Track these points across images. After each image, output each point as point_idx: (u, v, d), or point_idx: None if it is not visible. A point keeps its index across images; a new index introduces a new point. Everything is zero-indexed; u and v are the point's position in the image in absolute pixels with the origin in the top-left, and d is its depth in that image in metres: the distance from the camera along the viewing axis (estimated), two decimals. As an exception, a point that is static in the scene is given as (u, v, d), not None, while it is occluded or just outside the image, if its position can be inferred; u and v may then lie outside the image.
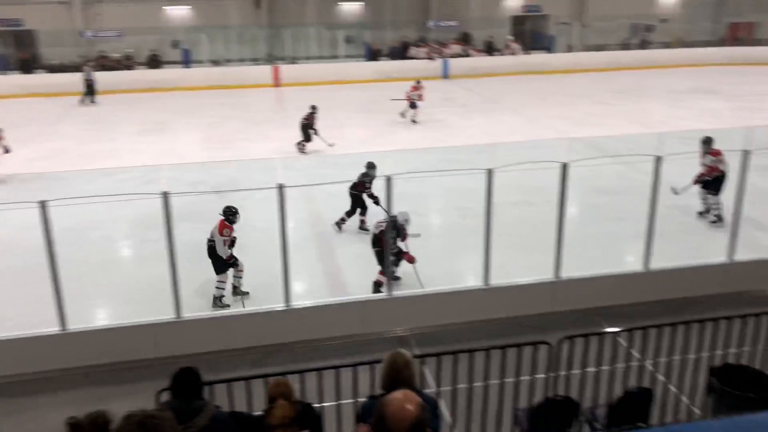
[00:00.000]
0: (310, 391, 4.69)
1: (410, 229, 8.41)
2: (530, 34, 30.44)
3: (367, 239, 8.70)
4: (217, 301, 8.03)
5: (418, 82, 18.99)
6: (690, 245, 9.58)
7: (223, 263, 8.00)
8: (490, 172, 7.29)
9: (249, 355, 6.88)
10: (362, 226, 10.42)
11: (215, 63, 26.36)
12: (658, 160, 7.65)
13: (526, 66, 27.50)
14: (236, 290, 8.26)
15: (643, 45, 30.38)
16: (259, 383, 4.55)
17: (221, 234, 7.90)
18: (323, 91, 24.58)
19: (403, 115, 18.79)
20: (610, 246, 9.85)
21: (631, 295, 7.83)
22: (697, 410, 5.23)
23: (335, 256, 9.73)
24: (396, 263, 8.09)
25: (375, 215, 9.56)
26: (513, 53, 28.27)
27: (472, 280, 8.07)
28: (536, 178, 11.47)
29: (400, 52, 27.62)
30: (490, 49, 28.55)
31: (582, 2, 29.97)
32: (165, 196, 6.54)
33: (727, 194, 9.57)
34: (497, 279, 7.60)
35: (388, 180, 6.98)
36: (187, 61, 26.72)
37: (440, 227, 11.38)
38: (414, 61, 27.16)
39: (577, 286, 7.66)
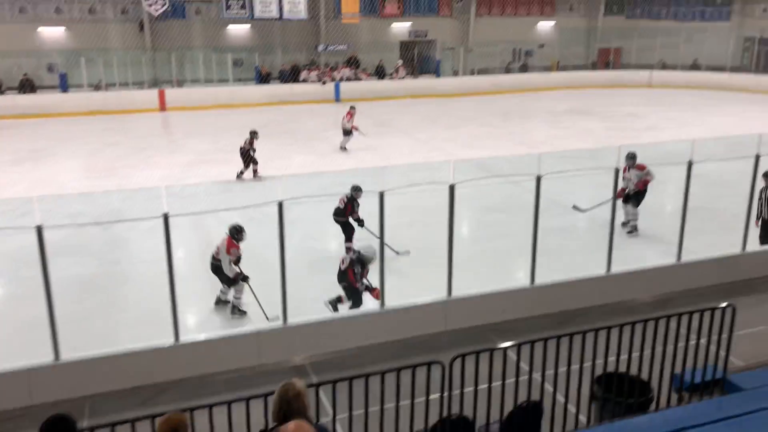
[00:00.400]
0: (202, 429, 4.49)
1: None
2: (418, 58, 31.35)
3: (263, 266, 8.55)
4: (236, 310, 8.46)
5: (353, 108, 18.53)
6: (576, 260, 10.05)
7: (227, 277, 8.35)
8: (381, 195, 7.36)
9: (136, 396, 6.51)
10: (348, 251, 10.02)
11: (96, 87, 25.16)
12: (538, 179, 8.03)
13: (415, 90, 28.24)
14: (234, 309, 8.50)
15: (524, 69, 32.04)
16: (147, 425, 4.32)
17: (228, 253, 8.23)
18: (213, 116, 24.09)
19: (343, 148, 18.42)
20: (500, 263, 10.21)
21: (520, 310, 8.13)
22: (583, 418, 5.48)
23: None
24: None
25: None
26: (402, 77, 28.95)
27: (369, 304, 8.08)
28: (428, 199, 11.73)
29: (290, 76, 27.57)
30: (381, 74, 29.09)
31: (466, 28, 31.24)
32: (39, 229, 6.12)
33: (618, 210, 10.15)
34: (393, 301, 7.66)
35: (280, 206, 6.89)
36: (64, 86, 25.32)
37: (336, 252, 11.36)
38: (305, 84, 27.20)
39: (468, 304, 7.86)
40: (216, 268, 8.46)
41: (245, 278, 8.37)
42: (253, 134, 15.26)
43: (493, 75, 30.75)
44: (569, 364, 5.18)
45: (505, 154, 17.45)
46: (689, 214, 9.04)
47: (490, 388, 4.94)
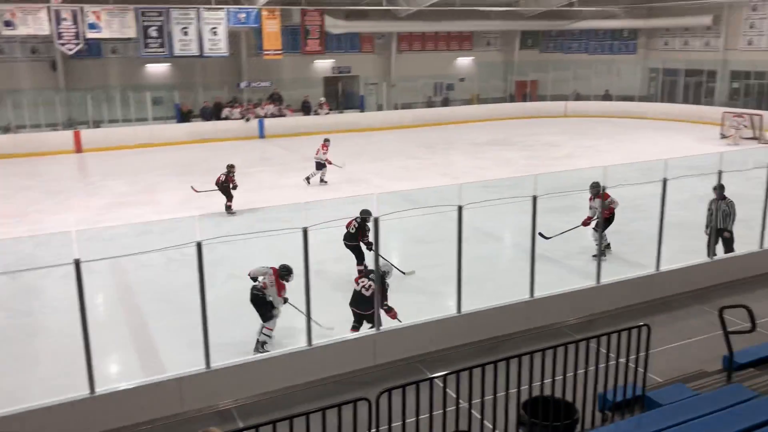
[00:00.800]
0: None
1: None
2: (342, 94, 31.63)
3: (183, 309, 8.26)
4: (260, 347, 8.35)
5: (327, 140, 18.62)
6: (501, 286, 10.21)
7: (270, 313, 8.43)
8: (305, 231, 7.29)
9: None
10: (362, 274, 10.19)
11: (5, 130, 24.07)
12: (460, 209, 8.17)
13: (341, 125, 28.42)
14: (259, 345, 8.41)
15: (446, 102, 32.85)
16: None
17: (279, 295, 8.44)
18: (132, 155, 23.47)
19: (308, 180, 18.38)
20: (428, 293, 10.27)
21: (448, 340, 8.16)
22: (512, 444, 5.50)
23: (148, 330, 9.10)
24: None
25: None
26: (327, 113, 29.11)
27: (300, 341, 7.92)
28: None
29: (212, 113, 27.24)
30: (306, 109, 29.15)
31: (388, 64, 31.83)
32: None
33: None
34: (321, 338, 7.55)
35: (198, 246, 6.70)
36: (-30, 128, 24.11)
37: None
38: (228, 121, 26.90)
39: (397, 336, 7.83)
40: (258, 299, 8.51)
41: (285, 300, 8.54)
42: (230, 168, 15.68)
43: (416, 109, 31.35)
44: (495, 392, 5.21)
45: (430, 185, 17.72)
46: (610, 237, 9.40)
47: (417, 422, 4.89)
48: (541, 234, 11.25)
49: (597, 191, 11.52)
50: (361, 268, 10.60)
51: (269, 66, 28.18)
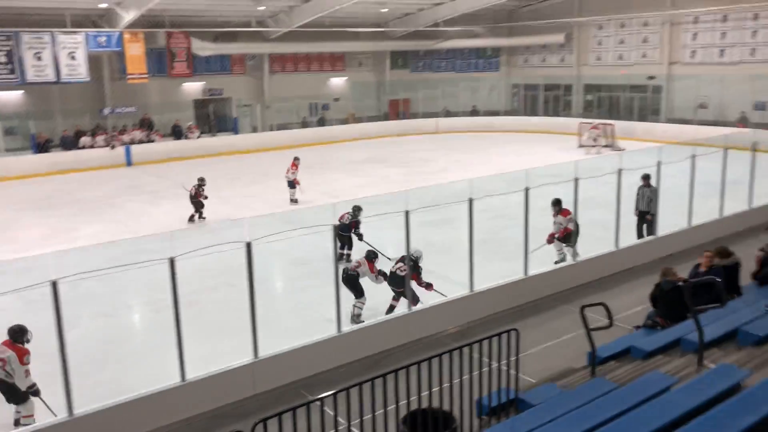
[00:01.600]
0: None
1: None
2: (215, 116, 30.88)
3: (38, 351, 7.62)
4: (356, 318, 9.45)
5: (297, 159, 18.65)
6: (380, 301, 10.27)
7: (361, 289, 9.64)
8: (172, 261, 6.98)
9: None
10: (348, 259, 12.18)
11: None
12: (335, 228, 8.17)
13: (214, 148, 27.72)
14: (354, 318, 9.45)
15: (322, 122, 32.96)
16: None
17: (372, 271, 9.68)
18: (-17, 190, 21.56)
19: (293, 200, 18.43)
20: (308, 315, 10.14)
21: (329, 361, 8.09)
22: (395, 460, 5.50)
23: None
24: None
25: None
26: (198, 137, 28.31)
27: (175, 377, 7.53)
28: (234, 258, 11.40)
29: (73, 142, 25.66)
30: (177, 134, 28.16)
31: (260, 85, 31.49)
32: None
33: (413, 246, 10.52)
34: (196, 372, 7.22)
35: (53, 285, 6.22)
36: None
37: (136, 326, 10.59)
38: (92, 150, 25.44)
39: (276, 362, 7.65)
40: (351, 278, 9.62)
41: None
42: (201, 180, 16.62)
43: (292, 129, 31.20)
44: (373, 410, 5.19)
45: (309, 205, 17.62)
46: (480, 246, 9.72)
47: (297, 448, 4.78)
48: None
49: (558, 209, 11.95)
50: (350, 252, 12.61)
51: (135, 90, 27.04)
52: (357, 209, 12.68)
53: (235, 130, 30.35)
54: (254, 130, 30.66)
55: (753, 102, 26.34)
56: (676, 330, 7.24)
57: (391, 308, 9.67)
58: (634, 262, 11.65)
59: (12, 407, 6.93)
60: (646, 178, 12.73)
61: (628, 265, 11.55)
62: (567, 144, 27.51)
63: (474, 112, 35.03)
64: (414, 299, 9.38)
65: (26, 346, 6.90)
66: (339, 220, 12.16)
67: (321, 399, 4.97)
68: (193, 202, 16.55)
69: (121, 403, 6.78)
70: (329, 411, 5.13)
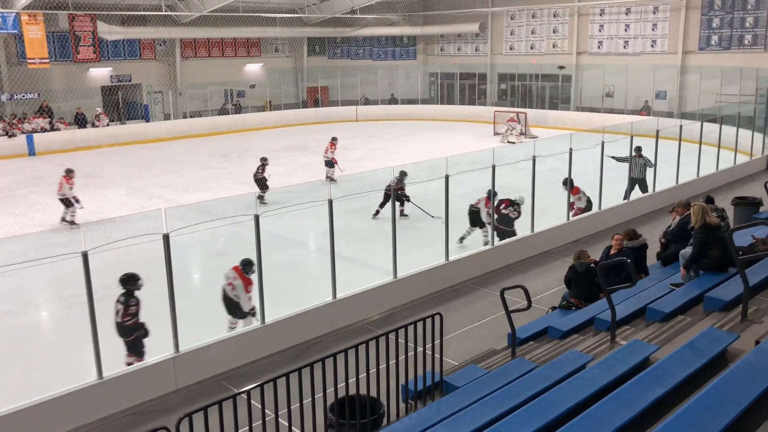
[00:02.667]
0: None
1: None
2: (124, 104, 29.59)
3: None
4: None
5: (335, 139, 19.25)
6: (305, 290, 10.20)
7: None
8: (85, 255, 6.66)
9: None
10: (402, 214, 14.44)
11: None
12: (257, 218, 8.03)
13: (124, 137, 26.61)
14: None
15: (238, 110, 32.22)
16: None
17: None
18: None
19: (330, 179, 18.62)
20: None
21: (254, 352, 7.97)
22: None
23: None
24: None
25: None
26: (107, 125, 27.07)
27: (91, 375, 7.20)
28: (150, 251, 11.01)
29: (-31, 131, 24.01)
30: (81, 122, 26.80)
31: (173, 71, 30.40)
32: None
33: (345, 239, 10.49)
34: (114, 368, 6.95)
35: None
36: None
37: (45, 323, 10.06)
38: (-12, 139, 23.86)
39: (198, 356, 7.47)
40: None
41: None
42: (263, 160, 17.50)
43: (207, 117, 30.35)
44: (301, 399, 5.16)
45: (227, 194, 17.22)
46: (402, 233, 9.82)
47: (223, 442, 4.69)
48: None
49: (570, 187, 12.78)
50: (402, 209, 14.58)
51: (36, 76, 25.49)
52: (403, 174, 14.07)
53: (146, 117, 29.21)
54: (167, 117, 29.58)
55: (654, 91, 27.82)
56: (589, 310, 7.58)
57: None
58: (549, 246, 12.09)
59: None
60: (638, 149, 14.55)
61: (543, 248, 11.98)
62: (483, 132, 28.15)
63: (393, 101, 35.23)
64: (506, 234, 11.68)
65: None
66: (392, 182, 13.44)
67: (247, 391, 4.89)
68: (257, 182, 17.17)
69: (32, 405, 6.43)
70: (256, 403, 5.06)
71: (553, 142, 15.06)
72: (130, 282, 7.85)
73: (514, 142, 26.22)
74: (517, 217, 12.13)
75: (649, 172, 14.80)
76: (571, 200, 12.96)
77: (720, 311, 6.26)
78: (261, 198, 15.99)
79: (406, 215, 14.61)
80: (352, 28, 34.37)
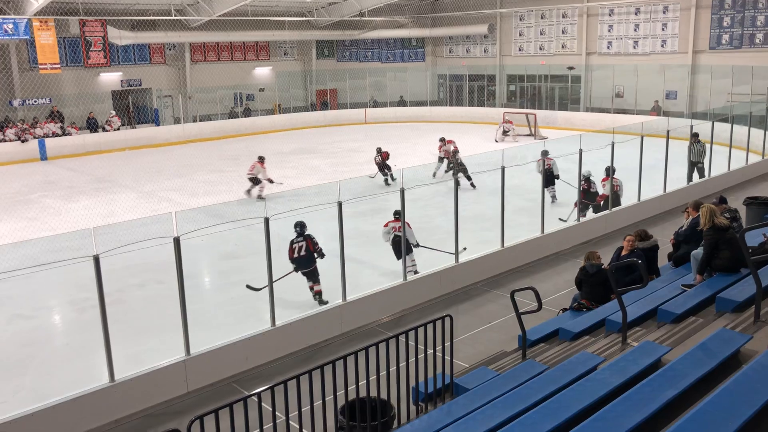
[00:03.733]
0: None
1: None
2: (134, 108, 29.80)
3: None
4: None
5: (262, 158, 18.37)
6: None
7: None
8: (96, 259, 6.71)
9: None
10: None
11: None
12: (266, 220, 8.05)
13: (135, 141, 26.78)
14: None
15: (247, 113, 32.34)
16: None
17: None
18: None
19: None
20: (241, 309, 9.98)
21: (264, 355, 7.99)
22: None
23: None
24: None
25: None
26: (117, 129, 27.24)
27: (103, 378, 7.24)
28: (161, 254, 11.07)
29: (-19, 136, 24.22)
30: (93, 126, 26.99)
31: (182, 75, 30.58)
32: None
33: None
34: (126, 371, 6.99)
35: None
36: None
37: (58, 327, 10.13)
38: (2, 144, 24.04)
39: (209, 359, 7.50)
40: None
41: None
42: (379, 150, 19.03)
43: (217, 120, 30.48)
44: (311, 401, 5.17)
45: (237, 198, 17.29)
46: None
47: (236, 444, 4.71)
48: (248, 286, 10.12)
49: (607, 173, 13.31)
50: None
51: (47, 81, 25.70)
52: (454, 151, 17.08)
53: (156, 121, 29.39)
54: (177, 121, 29.75)
55: (665, 91, 27.67)
56: (600, 311, 7.54)
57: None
58: (559, 247, 12.05)
59: None
60: (695, 135, 16.04)
61: (553, 250, 11.93)
62: (492, 133, 28.08)
63: (401, 103, 35.24)
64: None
65: None
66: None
67: (258, 394, 4.91)
68: (381, 168, 18.91)
69: (45, 408, 6.48)
70: (267, 406, 5.07)
71: (562, 143, 15.03)
72: (301, 226, 10.20)
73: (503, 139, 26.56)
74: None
75: (706, 158, 15.98)
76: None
77: (732, 312, 6.21)
78: (259, 196, 17.21)
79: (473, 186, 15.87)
80: (361, 30, 34.43)
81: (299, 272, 10.02)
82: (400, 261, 9.94)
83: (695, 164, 16.13)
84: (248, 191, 17.85)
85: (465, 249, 10.54)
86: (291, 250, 10.21)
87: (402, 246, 9.91)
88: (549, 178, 14.74)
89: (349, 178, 18.38)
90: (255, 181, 17.83)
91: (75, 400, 6.61)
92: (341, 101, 35.31)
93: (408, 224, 10.36)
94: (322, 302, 9.71)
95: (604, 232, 12.87)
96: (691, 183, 15.47)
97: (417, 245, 10.69)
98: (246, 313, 9.74)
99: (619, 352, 5.94)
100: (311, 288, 10.13)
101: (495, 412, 4.97)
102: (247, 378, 7.65)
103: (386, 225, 10.82)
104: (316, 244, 10.21)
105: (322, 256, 10.11)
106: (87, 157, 24.73)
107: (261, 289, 9.38)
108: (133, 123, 29.21)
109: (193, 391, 7.29)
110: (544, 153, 14.94)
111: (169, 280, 10.80)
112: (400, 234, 10.16)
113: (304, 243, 10.19)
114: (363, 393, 5.56)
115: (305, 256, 10.08)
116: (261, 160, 18.12)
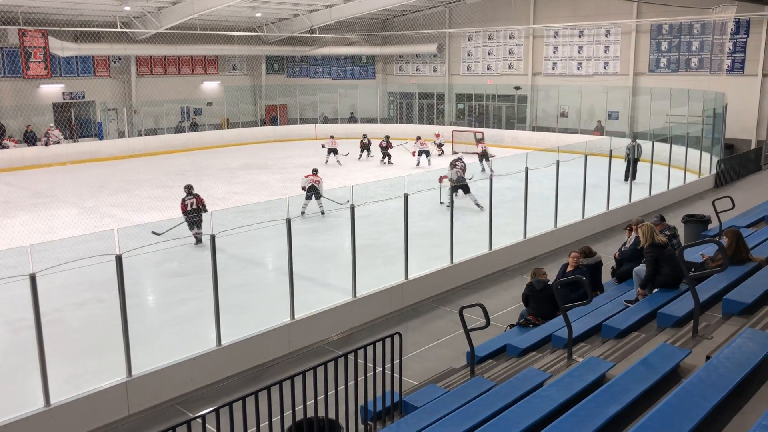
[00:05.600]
0: None
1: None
2: (76, 121, 28.96)
3: None
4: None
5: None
6: (263, 310, 10.04)
7: None
8: (33, 278, 6.44)
9: None
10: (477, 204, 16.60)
11: None
12: (213, 237, 7.90)
13: (77, 155, 25.98)
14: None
15: (194, 127, 31.81)
16: None
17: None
18: None
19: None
20: (186, 328, 9.73)
21: (209, 375, 7.80)
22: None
23: None
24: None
25: None
26: (58, 142, 26.40)
27: (38, 402, 6.90)
28: (102, 272, 10.71)
29: None
30: (31, 140, 26.06)
31: (128, 88, 29.89)
32: None
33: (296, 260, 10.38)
34: (63, 395, 6.70)
35: None
36: None
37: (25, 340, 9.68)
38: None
39: (152, 380, 7.27)
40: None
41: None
42: (387, 137, 24.07)
43: (163, 135, 29.89)
44: (258, 422, 5.06)
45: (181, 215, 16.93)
46: (361, 251, 9.78)
47: (177, 470, 4.55)
48: (154, 232, 12.29)
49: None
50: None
51: (-18, 91, 24.76)
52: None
53: (99, 135, 28.61)
54: (121, 135, 29.05)
55: (607, 111, 28.57)
56: (547, 327, 7.65)
57: None
58: (506, 264, 12.21)
59: None
60: (634, 138, 19.76)
61: (501, 266, 12.09)
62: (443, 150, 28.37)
63: (352, 119, 35.31)
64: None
65: None
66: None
67: (203, 416, 4.77)
68: (383, 152, 24.80)
69: (-26, 436, 6.16)
70: (212, 428, 4.93)
71: (509, 161, 15.30)
72: (189, 188, 14.23)
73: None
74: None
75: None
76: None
77: (672, 327, 6.39)
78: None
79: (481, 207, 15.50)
80: (311, 47, 34.44)
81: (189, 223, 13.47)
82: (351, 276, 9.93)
83: (634, 162, 18.46)
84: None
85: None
86: (183, 206, 14.21)
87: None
88: (465, 187, 15.92)
89: (299, 194, 18.30)
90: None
91: (6, 426, 6.29)
92: (291, 117, 35.15)
93: (320, 180, 16.59)
94: (200, 242, 13.45)
95: (550, 248, 13.13)
96: (631, 201, 15.89)
97: (321, 196, 15.96)
98: (191, 333, 9.50)
99: (565, 368, 6.03)
100: (197, 235, 13.68)
101: (444, 429, 4.96)
102: (192, 399, 7.44)
103: (306, 177, 16.35)
104: (203, 200, 14.29)
105: (206, 210, 13.83)
106: (26, 170, 23.86)
107: (164, 233, 12.20)
108: (76, 137, 28.35)
109: (135, 414, 7.04)
110: (455, 161, 16.24)
111: (111, 299, 10.48)
112: (315, 185, 15.91)
113: (194, 200, 14.17)
114: (311, 413, 5.47)
115: (195, 210, 13.95)
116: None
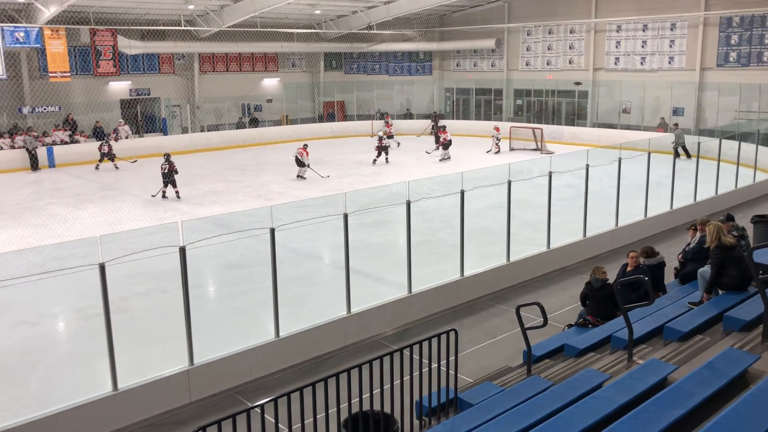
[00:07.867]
0: None
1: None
2: (142, 117, 29.94)
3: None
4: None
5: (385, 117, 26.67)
6: (319, 305, 10.19)
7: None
8: (102, 267, 6.72)
9: None
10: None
11: None
12: (272, 231, 8.05)
13: (142, 149, 26.83)
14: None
15: (255, 123, 32.45)
16: None
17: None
18: None
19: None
20: (246, 320, 9.96)
21: (267, 366, 7.96)
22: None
23: None
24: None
25: None
26: (126, 137, 27.35)
27: (106, 387, 7.22)
28: (165, 263, 11.08)
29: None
30: (99, 135, 27.08)
31: (191, 85, 30.74)
32: None
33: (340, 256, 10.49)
34: (129, 380, 6.97)
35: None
36: None
37: (62, 334, 10.13)
38: (11, 151, 24.14)
39: (212, 369, 7.48)
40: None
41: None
42: (167, 156, 19.45)
43: (224, 131, 30.59)
44: (315, 414, 5.14)
45: (243, 208, 17.30)
46: (416, 248, 9.80)
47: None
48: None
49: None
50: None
51: (57, 89, 25.86)
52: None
53: (164, 131, 29.52)
54: (184, 131, 29.88)
55: (671, 108, 27.66)
56: (606, 327, 7.49)
57: None
58: (565, 262, 12.01)
59: None
60: (675, 125, 22.60)
61: (559, 265, 11.90)
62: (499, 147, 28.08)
63: (408, 115, 35.30)
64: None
65: None
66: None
67: (261, 405, 4.88)
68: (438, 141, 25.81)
69: (47, 416, 6.46)
70: (269, 417, 5.05)
71: (569, 158, 15.01)
72: (167, 155, 18.71)
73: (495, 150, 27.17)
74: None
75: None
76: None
77: (739, 331, 6.16)
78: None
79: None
80: (369, 43, 34.59)
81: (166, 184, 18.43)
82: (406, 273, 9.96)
83: (680, 145, 20.72)
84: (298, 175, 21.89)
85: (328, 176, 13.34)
86: (162, 169, 18.76)
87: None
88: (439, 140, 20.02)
89: (356, 189, 18.42)
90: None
91: (77, 408, 6.59)
92: (348, 113, 35.39)
93: (306, 152, 21.72)
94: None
95: (610, 247, 12.83)
96: (696, 201, 15.36)
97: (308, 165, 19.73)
98: (250, 324, 9.72)
99: (625, 370, 5.89)
100: (177, 192, 18.72)
101: (499, 428, 4.93)
102: (250, 389, 7.62)
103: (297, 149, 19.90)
104: (173, 163, 18.78)
105: (177, 172, 18.69)
106: (94, 164, 24.81)
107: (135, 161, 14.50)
108: (141, 132, 29.33)
109: (196, 402, 7.26)
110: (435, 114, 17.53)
111: (174, 289, 10.82)
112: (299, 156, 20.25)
113: (168, 165, 18.70)
114: (366, 406, 5.53)
115: (168, 173, 18.67)
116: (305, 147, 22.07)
